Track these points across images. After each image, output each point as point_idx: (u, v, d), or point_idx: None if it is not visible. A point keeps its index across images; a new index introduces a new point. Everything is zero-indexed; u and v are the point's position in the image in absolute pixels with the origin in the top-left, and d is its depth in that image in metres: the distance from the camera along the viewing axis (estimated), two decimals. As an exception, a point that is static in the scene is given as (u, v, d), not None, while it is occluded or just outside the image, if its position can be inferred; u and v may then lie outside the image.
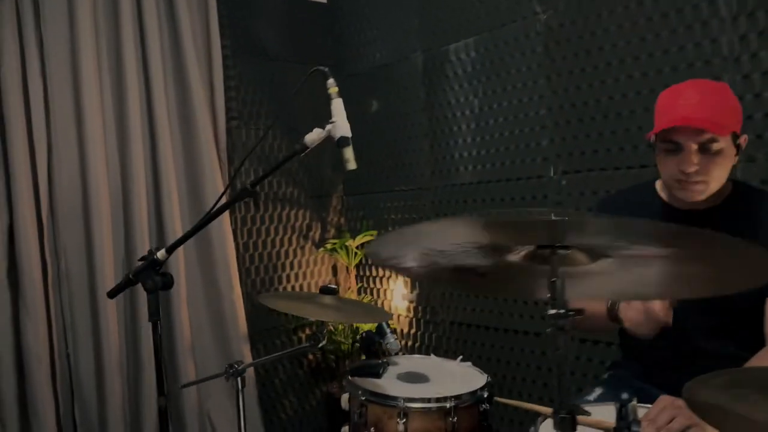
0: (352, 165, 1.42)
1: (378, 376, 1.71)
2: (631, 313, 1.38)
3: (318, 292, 1.70)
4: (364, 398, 1.62)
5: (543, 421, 1.28)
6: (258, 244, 3.00)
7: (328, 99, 1.46)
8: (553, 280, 0.84)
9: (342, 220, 3.32)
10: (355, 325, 2.94)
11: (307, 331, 3.15)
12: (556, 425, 0.83)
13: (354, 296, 3.22)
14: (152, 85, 2.55)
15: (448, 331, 2.81)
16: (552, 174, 2.37)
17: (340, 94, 1.47)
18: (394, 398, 1.57)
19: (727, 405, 0.87)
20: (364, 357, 1.87)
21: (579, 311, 0.85)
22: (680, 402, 1.18)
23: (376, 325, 1.90)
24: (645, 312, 1.35)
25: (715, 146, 1.38)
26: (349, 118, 1.45)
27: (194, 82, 2.63)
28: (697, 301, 1.36)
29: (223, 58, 2.75)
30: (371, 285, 3.20)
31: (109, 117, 2.48)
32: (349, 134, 1.43)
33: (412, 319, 2.98)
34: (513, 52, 2.46)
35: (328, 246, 3.17)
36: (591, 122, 2.24)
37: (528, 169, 2.45)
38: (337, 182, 3.31)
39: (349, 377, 1.73)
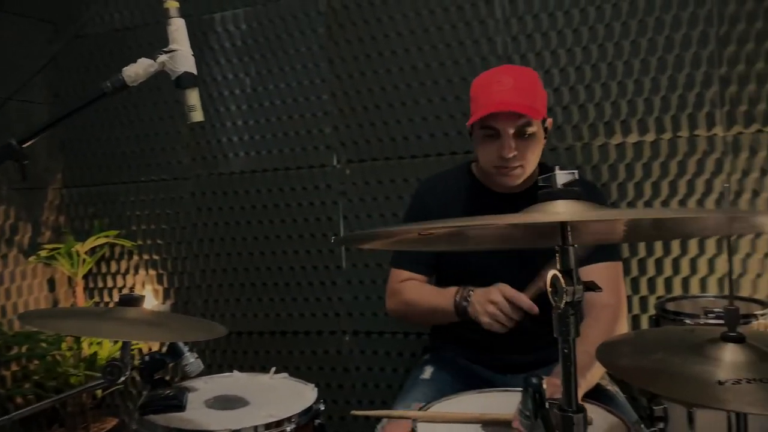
0: (198, 116, 1.05)
1: (181, 408, 1.32)
2: (491, 308, 1.29)
3: (116, 304, 1.23)
4: (173, 441, 1.23)
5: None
6: (-65, 253, 2.15)
7: (164, 16, 1.04)
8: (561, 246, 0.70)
9: (61, 219, 2.62)
10: (85, 348, 2.34)
11: (14, 367, 2.40)
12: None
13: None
14: None
15: (212, 343, 2.44)
16: (335, 163, 2.25)
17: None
18: (216, 433, 1.23)
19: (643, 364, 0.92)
20: (148, 389, 1.43)
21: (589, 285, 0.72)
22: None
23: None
24: (509, 303, 1.28)
25: (530, 130, 1.44)
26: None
27: None
28: (507, 269, 1.38)
29: None
30: (106, 298, 2.60)
31: None
32: (194, 70, 1.05)
33: (164, 334, 2.51)
34: (291, 30, 2.26)
35: (43, 253, 2.47)
36: (376, 110, 2.19)
37: (310, 157, 2.27)
38: (54, 171, 2.60)
39: (141, 416, 1.30)
